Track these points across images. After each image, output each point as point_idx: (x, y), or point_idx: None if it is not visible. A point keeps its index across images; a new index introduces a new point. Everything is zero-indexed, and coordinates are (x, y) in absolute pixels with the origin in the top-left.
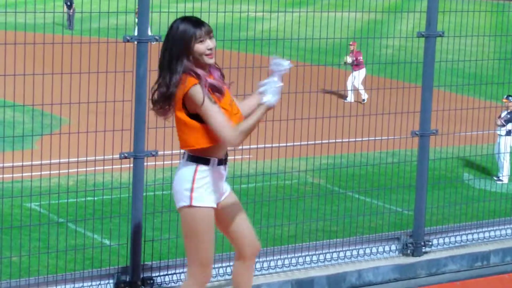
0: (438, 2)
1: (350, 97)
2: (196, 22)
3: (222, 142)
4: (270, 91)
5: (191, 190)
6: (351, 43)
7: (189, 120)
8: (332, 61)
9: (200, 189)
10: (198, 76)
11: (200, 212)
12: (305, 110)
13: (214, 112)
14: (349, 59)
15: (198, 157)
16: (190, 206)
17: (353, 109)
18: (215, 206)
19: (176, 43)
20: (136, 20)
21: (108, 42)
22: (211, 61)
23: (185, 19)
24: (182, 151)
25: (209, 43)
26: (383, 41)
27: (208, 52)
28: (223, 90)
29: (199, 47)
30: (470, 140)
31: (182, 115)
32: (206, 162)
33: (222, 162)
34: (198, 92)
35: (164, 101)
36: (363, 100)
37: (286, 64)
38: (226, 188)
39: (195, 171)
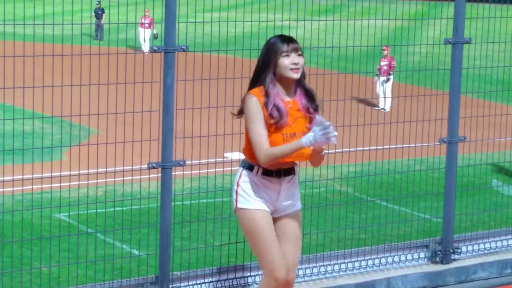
0: (465, 8)
1: (381, 104)
2: (285, 38)
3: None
4: (315, 133)
5: (236, 192)
6: (384, 47)
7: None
8: (359, 69)
9: (243, 192)
10: (266, 93)
11: (247, 213)
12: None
13: (255, 128)
14: (381, 78)
15: (244, 162)
16: (236, 208)
17: (381, 116)
18: (263, 209)
19: (265, 56)
20: (140, 33)
21: (136, 53)
22: (295, 75)
23: (279, 36)
24: (213, 160)
25: (295, 58)
26: (410, 48)
27: (292, 66)
28: (284, 116)
29: (283, 61)
30: (499, 146)
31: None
32: (250, 168)
33: (271, 173)
34: (251, 103)
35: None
36: (384, 109)
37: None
38: (290, 206)
39: (240, 175)
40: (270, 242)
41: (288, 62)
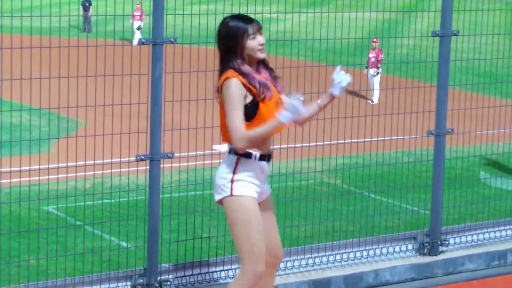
0: (453, 1)
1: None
2: (247, 19)
3: (231, 141)
4: (289, 110)
5: (231, 180)
6: (374, 40)
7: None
8: (347, 61)
9: (240, 180)
10: (244, 75)
11: (242, 201)
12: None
13: (237, 113)
14: (371, 71)
15: (234, 151)
16: (231, 195)
17: (368, 109)
18: (256, 196)
19: (229, 40)
20: (133, 24)
21: (124, 45)
22: (262, 55)
23: (235, 17)
24: (201, 152)
25: (260, 38)
26: (398, 41)
27: (260, 47)
28: (270, 87)
29: (251, 43)
30: (486, 138)
31: (222, 109)
32: (247, 155)
33: (265, 158)
34: (235, 87)
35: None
36: (372, 101)
37: (348, 79)
38: (267, 189)
39: (237, 163)
40: (261, 231)
41: (256, 43)
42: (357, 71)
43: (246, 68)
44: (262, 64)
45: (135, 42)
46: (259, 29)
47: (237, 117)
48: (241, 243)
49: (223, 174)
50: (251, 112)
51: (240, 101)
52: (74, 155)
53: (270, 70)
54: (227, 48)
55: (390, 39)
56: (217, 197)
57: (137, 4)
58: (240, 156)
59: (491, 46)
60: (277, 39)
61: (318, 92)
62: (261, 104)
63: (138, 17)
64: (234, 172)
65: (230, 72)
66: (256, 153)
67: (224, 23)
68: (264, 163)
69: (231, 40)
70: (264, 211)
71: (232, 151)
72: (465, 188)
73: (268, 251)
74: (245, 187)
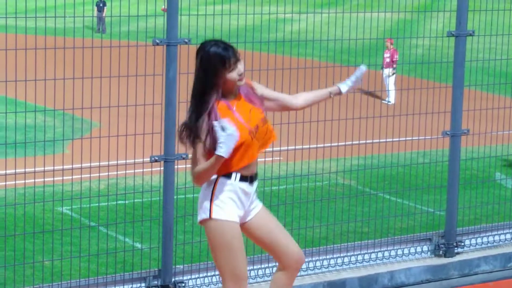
0: (468, 1)
1: (390, 98)
2: (226, 47)
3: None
4: (223, 142)
5: (210, 202)
6: (387, 40)
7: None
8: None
9: (219, 201)
10: (215, 117)
11: (221, 225)
12: (335, 111)
13: (197, 149)
14: (386, 71)
15: (219, 171)
16: (210, 218)
17: (384, 109)
18: (237, 220)
19: (207, 72)
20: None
21: (138, 46)
22: (242, 82)
23: (214, 45)
24: None
25: (240, 68)
26: (413, 41)
27: (239, 78)
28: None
29: (232, 75)
30: (502, 139)
31: None
32: (228, 176)
33: (247, 179)
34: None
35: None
36: (388, 101)
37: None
38: (256, 205)
39: (215, 183)
40: (241, 255)
41: (236, 75)
42: (371, 71)
43: (217, 115)
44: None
45: None
46: (237, 59)
47: (197, 152)
48: (223, 266)
49: (203, 193)
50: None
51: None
52: (89, 156)
53: (249, 87)
54: (205, 80)
55: (405, 40)
56: (198, 218)
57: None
58: (219, 176)
59: (507, 46)
60: (292, 40)
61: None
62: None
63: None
64: (212, 193)
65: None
66: (236, 173)
67: (203, 49)
68: (245, 184)
69: (208, 70)
70: (262, 221)
71: None
72: (480, 189)
73: (290, 253)
74: (224, 209)
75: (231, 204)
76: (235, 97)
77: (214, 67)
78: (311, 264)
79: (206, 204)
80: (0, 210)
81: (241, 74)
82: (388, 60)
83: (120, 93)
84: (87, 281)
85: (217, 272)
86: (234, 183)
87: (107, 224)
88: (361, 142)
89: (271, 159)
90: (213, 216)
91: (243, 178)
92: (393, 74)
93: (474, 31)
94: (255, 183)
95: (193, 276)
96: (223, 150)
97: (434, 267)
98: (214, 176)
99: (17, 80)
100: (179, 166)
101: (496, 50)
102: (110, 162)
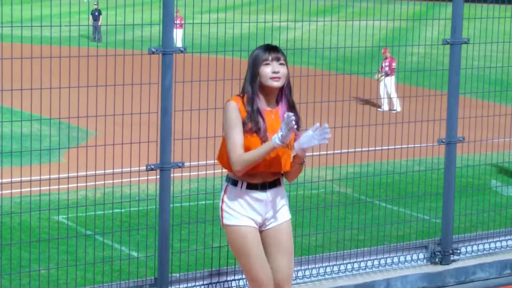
0: (463, 8)
1: (384, 106)
2: (268, 47)
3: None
4: (283, 130)
5: (221, 209)
6: (383, 50)
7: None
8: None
9: (229, 208)
10: (249, 103)
11: (231, 231)
12: (331, 119)
13: (233, 134)
14: (380, 76)
15: (228, 177)
16: (223, 224)
17: (379, 117)
18: (250, 225)
19: (250, 66)
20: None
21: (134, 54)
22: (275, 84)
23: (263, 45)
24: (211, 161)
25: (276, 66)
26: (408, 49)
27: (272, 75)
28: (261, 129)
29: (264, 69)
30: (497, 146)
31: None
32: (234, 183)
33: (256, 187)
34: (230, 109)
35: None
36: (395, 110)
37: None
38: (279, 216)
39: (225, 190)
40: (258, 260)
41: (269, 70)
42: (367, 79)
43: (256, 100)
44: (286, 100)
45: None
46: (277, 58)
47: (234, 138)
48: (243, 270)
49: (219, 199)
50: None
51: (237, 123)
52: (85, 164)
53: (292, 109)
54: (249, 74)
55: (401, 47)
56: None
57: (177, 12)
58: (228, 183)
59: (502, 54)
60: (287, 48)
61: (328, 101)
62: (250, 135)
63: (178, 25)
64: (222, 200)
65: (236, 97)
66: (243, 181)
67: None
68: (255, 191)
69: (252, 65)
70: (276, 240)
71: (226, 176)
72: (476, 196)
73: (276, 283)
74: (233, 216)
75: (241, 211)
76: (272, 108)
77: (253, 59)
78: (307, 272)
79: (219, 210)
80: None
81: (276, 72)
82: (387, 69)
83: (116, 101)
84: None
85: (213, 281)
86: (240, 191)
87: (103, 232)
88: (357, 150)
89: None
90: (224, 222)
91: (251, 186)
92: (382, 80)
93: (469, 39)
94: (272, 191)
95: (189, 285)
96: (277, 138)
97: (430, 275)
98: (225, 184)
99: (13, 89)
100: (175, 175)
101: (491, 57)
102: (106, 171)
